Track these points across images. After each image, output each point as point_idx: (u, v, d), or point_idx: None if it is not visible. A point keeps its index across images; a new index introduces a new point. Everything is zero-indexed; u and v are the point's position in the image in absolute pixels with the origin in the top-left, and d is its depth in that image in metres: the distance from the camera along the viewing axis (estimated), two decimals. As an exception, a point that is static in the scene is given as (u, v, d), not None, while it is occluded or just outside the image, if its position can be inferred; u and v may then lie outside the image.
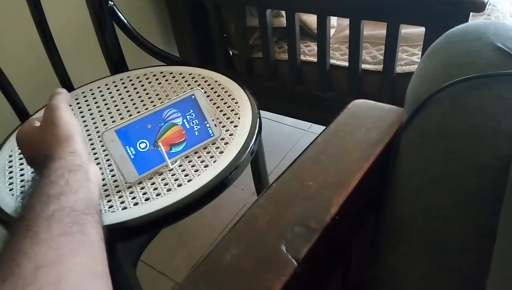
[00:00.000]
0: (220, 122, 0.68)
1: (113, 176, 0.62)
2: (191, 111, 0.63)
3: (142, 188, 0.59)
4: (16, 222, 0.35)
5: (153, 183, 0.60)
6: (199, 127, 0.64)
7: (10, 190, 0.62)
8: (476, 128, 0.34)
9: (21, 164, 0.67)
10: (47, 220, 0.34)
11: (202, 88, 0.77)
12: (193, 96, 0.63)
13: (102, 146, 0.67)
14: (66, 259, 0.31)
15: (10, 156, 0.69)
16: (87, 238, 0.34)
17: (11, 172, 0.65)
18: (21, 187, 0.62)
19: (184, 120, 0.63)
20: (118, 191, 0.59)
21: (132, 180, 0.59)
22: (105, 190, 0.60)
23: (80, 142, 0.46)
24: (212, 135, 0.64)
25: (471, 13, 0.72)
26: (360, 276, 0.45)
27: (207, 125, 0.64)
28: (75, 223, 0.35)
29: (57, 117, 0.47)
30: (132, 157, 0.59)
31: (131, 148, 0.59)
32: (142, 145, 0.60)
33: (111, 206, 0.57)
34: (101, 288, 0.32)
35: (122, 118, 0.74)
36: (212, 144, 0.65)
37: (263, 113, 0.71)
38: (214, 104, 0.73)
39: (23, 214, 0.35)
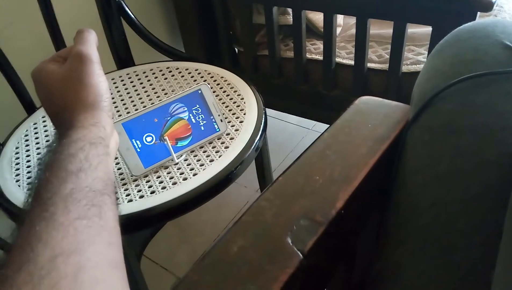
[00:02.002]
0: (226, 118, 0.68)
1: (119, 169, 0.62)
2: (197, 106, 0.64)
3: (147, 181, 0.59)
4: (32, 198, 0.33)
5: (158, 177, 0.60)
6: (205, 122, 0.64)
7: (17, 181, 0.62)
8: (483, 125, 0.34)
9: (28, 156, 0.67)
10: (64, 200, 0.32)
11: (209, 84, 0.77)
12: (199, 91, 0.63)
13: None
14: (84, 247, 0.30)
15: (17, 147, 0.69)
16: (104, 222, 0.33)
17: (17, 163, 0.66)
18: (27, 178, 0.63)
19: (190, 115, 0.63)
20: (124, 184, 0.60)
21: (138, 173, 0.60)
22: (111, 183, 0.60)
23: (107, 110, 0.41)
24: (218, 130, 0.65)
25: (478, 13, 0.72)
26: (364, 270, 0.45)
27: (213, 120, 0.64)
28: (93, 205, 0.33)
29: (87, 73, 0.42)
30: (138, 150, 0.59)
31: (137, 141, 0.59)
32: (148, 139, 0.60)
33: (116, 198, 0.57)
34: (119, 280, 0.31)
35: (128, 112, 0.74)
36: (218, 139, 0.65)
37: (267, 111, 0.71)
38: (220, 99, 0.73)
39: (39, 189, 0.33)
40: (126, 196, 0.58)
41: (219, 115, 0.65)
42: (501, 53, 0.37)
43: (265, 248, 0.33)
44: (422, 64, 0.89)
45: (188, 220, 1.14)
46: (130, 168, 0.59)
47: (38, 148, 0.69)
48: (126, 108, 0.75)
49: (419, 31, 0.95)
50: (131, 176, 0.60)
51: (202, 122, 0.64)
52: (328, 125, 0.45)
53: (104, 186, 0.35)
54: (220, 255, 0.34)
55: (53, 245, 0.29)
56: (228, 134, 0.66)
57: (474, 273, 0.30)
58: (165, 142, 0.61)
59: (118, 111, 0.75)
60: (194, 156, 0.63)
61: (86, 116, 0.40)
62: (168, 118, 0.62)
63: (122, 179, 0.60)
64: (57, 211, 0.31)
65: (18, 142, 0.70)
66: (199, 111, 0.64)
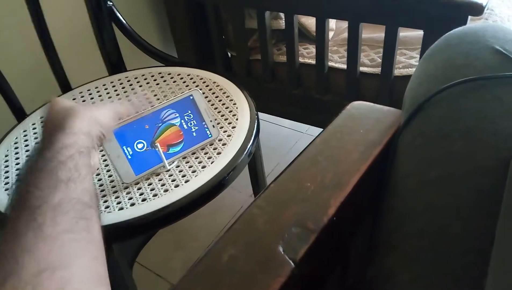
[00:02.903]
0: (218, 123, 0.68)
1: (110, 176, 0.62)
2: (189, 111, 0.63)
3: (139, 189, 0.59)
4: (18, 202, 0.33)
5: (150, 184, 0.59)
6: (197, 128, 0.64)
7: (6, 189, 0.62)
8: (475, 130, 0.34)
9: (18, 163, 0.66)
10: (53, 210, 0.32)
11: (201, 89, 0.76)
12: (191, 97, 0.63)
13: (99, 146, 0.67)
14: (70, 262, 0.29)
15: (6, 155, 0.68)
16: (91, 236, 0.33)
17: (7, 171, 0.65)
18: (17, 186, 0.62)
19: (182, 121, 0.63)
20: (115, 192, 0.59)
21: (129, 181, 0.59)
22: (102, 190, 0.59)
23: (98, 126, 0.44)
24: (210, 136, 0.64)
25: (469, 17, 0.72)
26: (358, 276, 0.45)
27: (205, 126, 0.64)
28: (81, 218, 0.33)
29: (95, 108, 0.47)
30: (129, 157, 0.59)
31: (128, 148, 0.59)
32: (139, 146, 0.60)
33: (107, 207, 0.57)
34: None
35: (119, 118, 0.73)
36: (210, 145, 0.65)
37: (261, 115, 0.71)
38: (212, 105, 0.72)
39: (27, 194, 0.33)
40: (117, 204, 0.57)
41: (211, 121, 0.64)
42: (491, 58, 0.37)
43: (256, 257, 0.33)
44: (414, 68, 0.89)
45: (182, 225, 1.13)
46: (121, 175, 0.58)
47: (28, 156, 0.68)
48: (117, 114, 0.74)
49: (411, 34, 0.96)
50: (122, 183, 0.59)
51: (194, 128, 0.63)
52: (322, 129, 0.45)
53: (90, 198, 0.35)
54: (211, 264, 0.33)
55: (39, 258, 0.28)
56: (220, 139, 0.65)
57: (468, 278, 0.30)
58: (157, 149, 0.60)
59: (109, 117, 0.74)
60: (186, 163, 0.62)
61: (78, 123, 0.41)
62: (160, 125, 0.61)
63: (113, 187, 0.60)
64: (45, 222, 0.31)
65: (7, 150, 0.69)
66: (191, 117, 0.63)
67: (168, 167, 0.61)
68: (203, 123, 0.64)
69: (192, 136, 0.63)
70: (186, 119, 0.63)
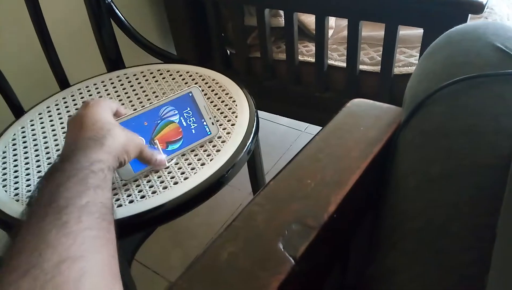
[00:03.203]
0: (217, 121, 0.68)
1: (108, 173, 0.61)
2: (188, 108, 0.63)
3: (137, 186, 0.59)
4: (45, 197, 0.35)
5: (148, 181, 0.59)
6: (196, 125, 0.63)
7: (4, 186, 0.61)
8: (476, 127, 0.34)
9: (15, 160, 0.66)
10: (79, 210, 0.34)
11: (200, 86, 0.76)
12: (190, 94, 0.63)
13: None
14: (90, 255, 0.31)
15: (4, 152, 0.68)
16: (110, 236, 0.35)
17: (4, 168, 0.65)
18: (15, 183, 0.62)
19: (181, 118, 0.62)
20: (113, 189, 0.59)
21: (128, 178, 0.59)
22: (100, 188, 0.59)
23: (126, 154, 0.49)
24: (209, 133, 0.64)
25: (469, 15, 0.72)
26: (358, 274, 0.45)
27: (204, 123, 0.64)
28: (104, 219, 0.35)
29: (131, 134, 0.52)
30: None
31: None
32: None
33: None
34: None
35: (118, 116, 0.73)
36: (209, 142, 0.64)
37: (260, 113, 0.71)
38: (212, 102, 0.72)
39: (55, 194, 0.35)
40: (116, 201, 0.57)
41: (210, 118, 0.64)
42: (492, 55, 0.37)
43: (256, 254, 0.32)
44: (413, 66, 0.89)
45: (181, 223, 1.13)
46: (120, 172, 0.58)
47: (26, 152, 0.67)
48: (116, 111, 0.74)
49: (411, 33, 0.95)
50: (121, 181, 0.59)
51: (193, 125, 0.63)
52: (321, 127, 0.45)
53: (112, 206, 0.38)
54: (210, 262, 0.33)
55: (61, 251, 0.30)
56: (219, 137, 0.65)
57: (469, 277, 0.30)
58: (156, 146, 0.60)
59: (108, 114, 0.74)
60: (185, 160, 0.62)
61: (116, 148, 0.46)
62: (159, 121, 0.61)
63: (112, 184, 0.59)
64: (70, 220, 0.33)
65: (5, 146, 0.69)
66: (190, 114, 0.63)
67: (167, 164, 0.61)
68: (202, 120, 0.63)
69: (191, 133, 0.63)
70: (185, 116, 0.63)
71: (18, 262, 0.29)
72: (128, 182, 0.59)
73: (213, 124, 0.64)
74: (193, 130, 0.63)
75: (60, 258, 0.29)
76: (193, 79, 0.79)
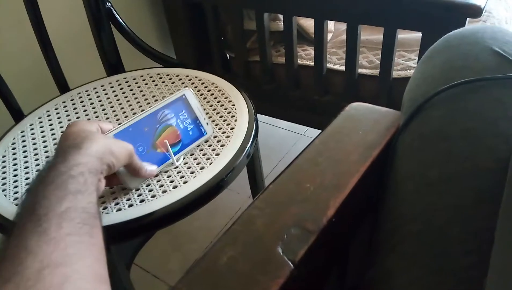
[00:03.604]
0: (216, 125, 0.68)
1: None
2: (183, 111, 0.64)
3: (137, 190, 0.59)
4: (26, 209, 0.34)
5: (148, 185, 0.59)
6: (192, 126, 0.64)
7: (3, 191, 0.61)
8: (474, 131, 0.34)
9: (15, 164, 0.66)
10: (59, 217, 0.34)
11: (199, 91, 0.76)
12: (183, 96, 0.63)
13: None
14: (72, 260, 0.31)
15: (4, 156, 0.68)
16: (94, 240, 0.34)
17: (4, 172, 0.65)
18: (14, 187, 0.62)
19: (178, 121, 0.63)
20: (113, 193, 0.59)
21: (135, 185, 0.58)
22: (100, 192, 0.59)
23: (111, 155, 0.47)
24: (205, 133, 0.65)
25: (467, 19, 0.72)
26: (357, 278, 0.45)
27: (200, 124, 0.65)
28: (85, 224, 0.35)
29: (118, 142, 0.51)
30: None
31: None
32: (140, 149, 0.59)
33: (105, 208, 0.56)
34: None
35: (117, 119, 0.73)
36: (209, 146, 0.64)
37: (259, 117, 0.71)
38: (211, 106, 0.72)
39: (34, 204, 0.35)
40: (115, 205, 0.57)
41: (204, 119, 0.65)
42: (490, 59, 0.37)
43: (255, 258, 0.32)
44: (412, 70, 0.90)
45: (180, 227, 1.13)
46: (127, 182, 0.57)
47: (25, 157, 0.67)
48: (116, 116, 0.74)
49: (409, 36, 0.96)
50: (131, 190, 0.59)
51: (189, 127, 0.64)
52: (320, 131, 0.45)
53: (95, 211, 0.38)
54: (209, 266, 0.33)
55: (42, 258, 0.30)
56: (219, 141, 0.65)
57: (468, 280, 0.30)
58: (161, 149, 0.61)
59: (107, 118, 0.74)
60: (184, 164, 0.62)
61: (96, 149, 0.45)
62: (158, 126, 0.61)
63: (111, 188, 0.59)
64: (51, 227, 0.33)
65: (5, 151, 0.69)
66: (186, 116, 0.64)
67: (177, 164, 0.61)
68: (198, 121, 0.64)
69: (189, 135, 0.64)
70: (182, 119, 0.63)
71: None
72: (136, 188, 0.59)
73: (207, 124, 0.65)
74: (190, 132, 0.64)
75: (41, 265, 0.29)
76: (193, 83, 0.79)
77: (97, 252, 0.34)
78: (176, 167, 0.61)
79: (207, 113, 0.70)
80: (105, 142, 0.47)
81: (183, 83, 0.79)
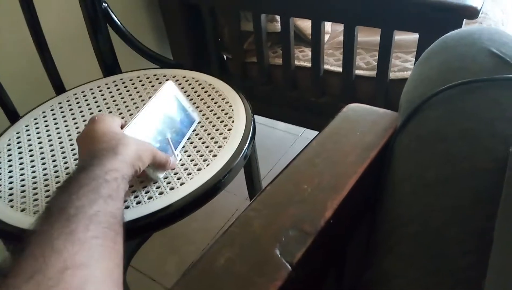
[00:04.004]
0: (213, 126, 0.68)
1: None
2: (174, 103, 0.65)
3: (133, 191, 0.58)
4: (56, 207, 0.35)
5: (145, 186, 0.59)
6: (182, 115, 0.66)
7: (-2, 192, 0.61)
8: (472, 131, 0.34)
9: (10, 166, 0.66)
10: (88, 219, 0.34)
11: (196, 92, 0.76)
12: (169, 89, 0.65)
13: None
14: (94, 263, 0.31)
15: (-1, 157, 0.68)
16: (117, 247, 0.35)
17: (-1, 174, 0.64)
18: (9, 189, 0.61)
19: (171, 112, 0.64)
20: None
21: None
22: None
23: (141, 161, 0.49)
24: (194, 120, 0.67)
25: (464, 20, 0.73)
26: (355, 279, 0.45)
27: (187, 112, 0.67)
28: (111, 230, 0.35)
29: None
30: None
31: None
32: (159, 138, 0.60)
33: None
34: None
35: (114, 121, 0.73)
36: (206, 148, 0.64)
37: (256, 118, 0.71)
38: (208, 107, 0.72)
39: (67, 201, 0.35)
40: (112, 206, 0.56)
41: (189, 107, 0.67)
42: (487, 61, 0.37)
43: (253, 260, 0.32)
44: (409, 71, 0.90)
45: (177, 228, 1.12)
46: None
47: (21, 158, 0.67)
48: (112, 116, 0.74)
49: (406, 38, 0.96)
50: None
51: (181, 116, 0.65)
52: (317, 132, 0.45)
53: (121, 217, 0.39)
54: (206, 268, 0.33)
55: (66, 257, 0.30)
56: (216, 142, 0.65)
57: (466, 281, 0.30)
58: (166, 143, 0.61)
59: (104, 119, 0.74)
60: (181, 165, 0.62)
61: (131, 156, 0.46)
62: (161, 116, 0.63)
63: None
64: (78, 228, 0.33)
65: (0, 152, 0.69)
66: (176, 107, 0.65)
67: (180, 157, 0.62)
68: (185, 110, 0.66)
69: (184, 124, 0.65)
70: (174, 111, 0.64)
71: (23, 267, 0.29)
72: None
73: (193, 111, 0.68)
74: (184, 122, 0.65)
75: (64, 265, 0.29)
76: (190, 84, 0.78)
77: (118, 259, 0.34)
78: (180, 160, 0.62)
79: (203, 115, 0.70)
80: (135, 147, 0.49)
81: (180, 84, 0.79)
